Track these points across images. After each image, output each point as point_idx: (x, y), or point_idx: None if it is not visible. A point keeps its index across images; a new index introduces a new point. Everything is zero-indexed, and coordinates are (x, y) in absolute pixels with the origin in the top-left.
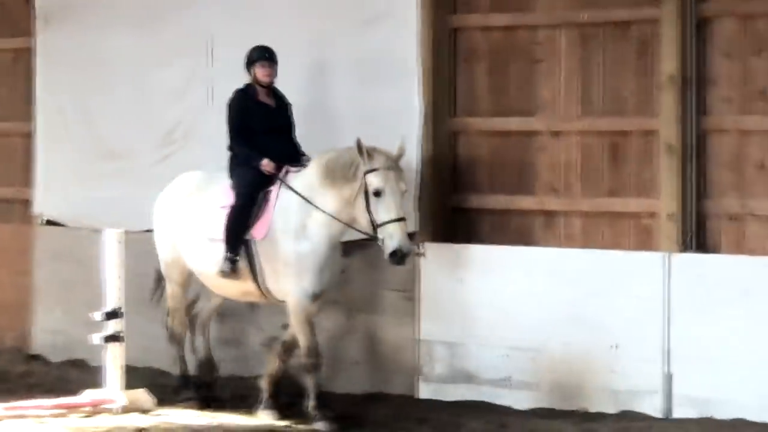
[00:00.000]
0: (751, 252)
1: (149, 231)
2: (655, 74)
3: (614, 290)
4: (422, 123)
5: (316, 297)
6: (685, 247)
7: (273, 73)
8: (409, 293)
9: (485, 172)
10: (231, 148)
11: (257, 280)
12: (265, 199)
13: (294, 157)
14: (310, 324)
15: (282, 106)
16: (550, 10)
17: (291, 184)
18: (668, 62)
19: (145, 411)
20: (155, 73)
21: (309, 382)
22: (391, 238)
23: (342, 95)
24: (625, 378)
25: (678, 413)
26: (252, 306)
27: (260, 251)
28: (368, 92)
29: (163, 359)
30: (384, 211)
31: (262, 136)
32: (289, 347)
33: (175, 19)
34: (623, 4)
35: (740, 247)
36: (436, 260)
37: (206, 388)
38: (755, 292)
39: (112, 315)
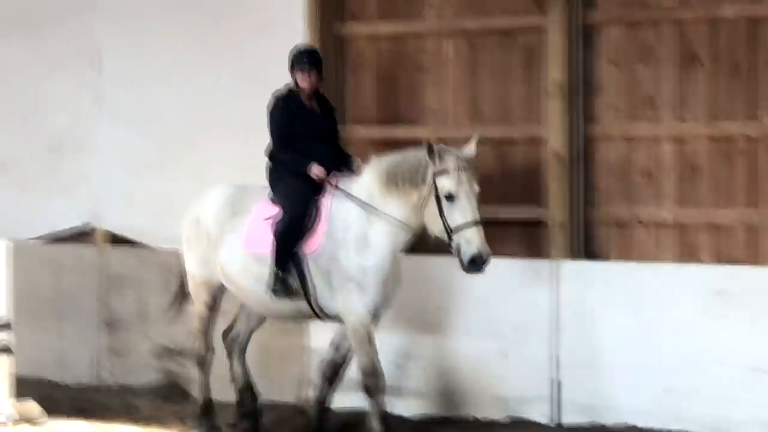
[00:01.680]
0: (639, 258)
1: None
2: (541, 82)
3: (503, 297)
4: None
5: (378, 313)
6: (573, 254)
7: (314, 78)
8: None
9: None
10: (273, 156)
11: (309, 298)
12: (317, 209)
13: (342, 162)
14: (373, 342)
15: (326, 111)
16: (437, 18)
17: (348, 191)
18: (555, 70)
19: (34, 422)
20: (42, 83)
21: (371, 405)
22: (469, 243)
23: (232, 104)
24: (514, 385)
25: (567, 420)
26: (141, 315)
27: (313, 266)
28: (256, 101)
29: (54, 371)
30: (459, 214)
31: (306, 142)
32: (337, 368)
33: (63, 29)
34: (510, 12)
35: (628, 253)
36: None
37: (251, 418)
38: (643, 298)
39: (1, 326)
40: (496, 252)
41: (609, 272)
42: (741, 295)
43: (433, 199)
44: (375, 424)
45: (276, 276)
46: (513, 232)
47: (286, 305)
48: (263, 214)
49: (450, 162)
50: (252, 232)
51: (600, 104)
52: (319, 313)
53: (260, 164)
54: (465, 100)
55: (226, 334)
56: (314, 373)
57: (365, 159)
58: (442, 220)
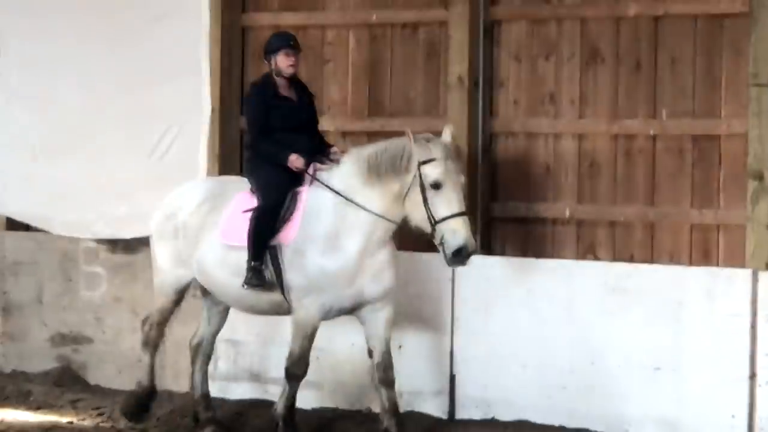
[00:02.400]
0: (536, 254)
1: None
2: (443, 76)
3: (401, 290)
4: (211, 121)
5: (332, 312)
6: None
7: (297, 63)
8: (193, 291)
9: None
10: (250, 146)
11: (284, 290)
12: (294, 200)
13: (322, 152)
14: (312, 339)
15: (305, 99)
16: (340, 9)
17: (325, 182)
18: (457, 64)
19: None
20: None
21: (285, 390)
22: (454, 234)
23: (131, 92)
24: (410, 379)
25: (461, 414)
26: (38, 300)
27: (287, 258)
28: (158, 90)
29: None
30: (444, 205)
31: (286, 133)
32: (385, 368)
33: None
34: (413, 5)
35: (525, 249)
36: None
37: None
38: (539, 294)
39: None
40: (397, 246)
41: (507, 267)
42: (638, 293)
43: (417, 188)
44: (280, 407)
45: (250, 267)
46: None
47: (262, 299)
48: (243, 206)
49: (437, 150)
50: (230, 224)
51: (502, 99)
52: None
53: (160, 148)
54: (365, 92)
55: (192, 340)
56: (372, 384)
57: (345, 149)
58: (426, 210)
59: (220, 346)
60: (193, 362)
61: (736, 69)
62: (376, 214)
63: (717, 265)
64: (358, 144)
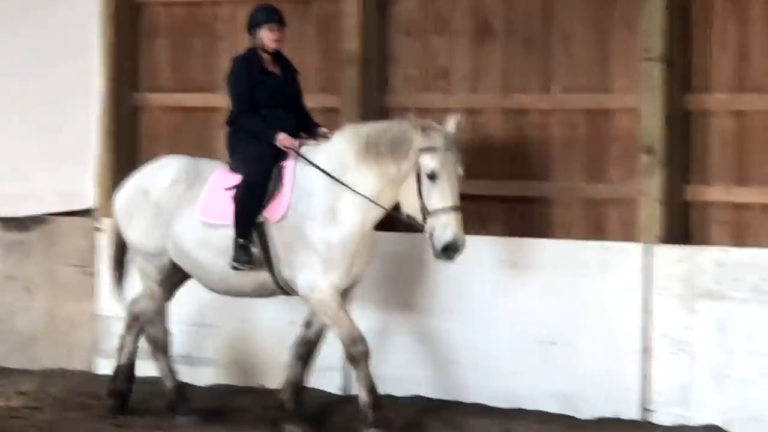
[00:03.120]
0: None
1: None
2: (337, 52)
3: None
4: (103, 99)
5: (343, 291)
6: None
7: (283, 38)
8: (87, 268)
9: (167, 147)
10: (233, 122)
11: (273, 269)
12: (280, 176)
13: (308, 129)
14: (345, 310)
15: (289, 74)
16: None
17: (313, 160)
18: (350, 40)
19: None
20: None
21: (357, 375)
22: (445, 228)
23: (24, 71)
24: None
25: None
26: None
27: (276, 236)
28: (51, 69)
29: None
30: (438, 197)
31: (271, 109)
32: (311, 346)
33: None
34: None
35: None
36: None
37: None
38: (433, 269)
39: None
40: None
41: (400, 244)
42: (532, 268)
43: (413, 176)
44: (363, 394)
45: (237, 244)
46: None
47: (248, 279)
48: (222, 183)
49: (438, 139)
50: (210, 202)
51: (395, 75)
52: (283, 287)
53: (52, 127)
54: None
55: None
56: (289, 354)
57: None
58: (420, 200)
59: (116, 324)
60: (127, 331)
61: (628, 44)
62: (367, 197)
63: (610, 239)
64: None
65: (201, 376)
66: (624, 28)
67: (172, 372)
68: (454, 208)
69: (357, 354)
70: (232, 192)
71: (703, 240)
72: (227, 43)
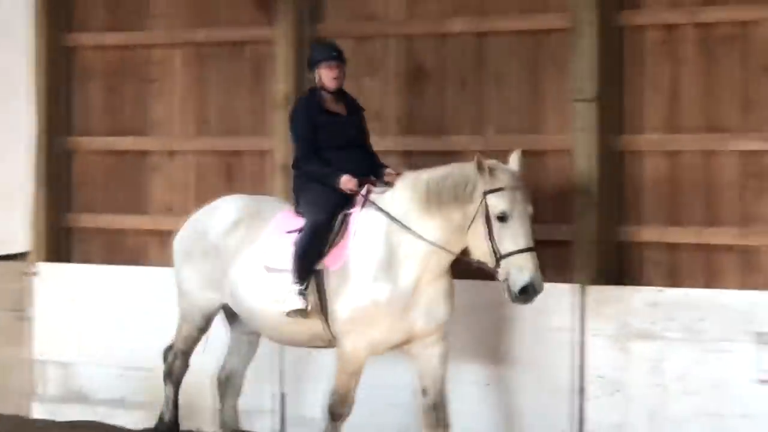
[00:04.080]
0: None
1: None
2: (269, 94)
3: None
4: (36, 143)
5: (381, 349)
6: None
7: (342, 76)
8: (21, 313)
9: (100, 191)
10: (298, 165)
11: (328, 319)
12: (344, 222)
13: (374, 172)
14: (359, 375)
15: (354, 113)
16: (165, 29)
17: (380, 206)
18: (282, 82)
19: None
20: None
21: (328, 429)
22: (521, 271)
23: None
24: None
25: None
26: None
27: (332, 285)
28: None
29: None
30: (511, 239)
31: (334, 150)
32: (440, 409)
33: None
34: (238, 24)
35: None
36: (50, 280)
37: None
38: None
39: None
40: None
41: None
42: (468, 308)
43: (481, 219)
44: None
45: (292, 291)
46: None
47: (303, 328)
48: (285, 225)
49: (505, 179)
50: (271, 246)
51: None
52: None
53: None
54: (192, 111)
55: (221, 373)
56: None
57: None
58: (491, 243)
59: (50, 369)
60: (222, 397)
61: (561, 85)
62: (434, 244)
63: (544, 280)
64: (184, 163)
65: (137, 420)
66: (556, 69)
67: (175, 405)
68: (529, 249)
69: (337, 413)
70: (294, 236)
71: (637, 280)
72: (160, 85)
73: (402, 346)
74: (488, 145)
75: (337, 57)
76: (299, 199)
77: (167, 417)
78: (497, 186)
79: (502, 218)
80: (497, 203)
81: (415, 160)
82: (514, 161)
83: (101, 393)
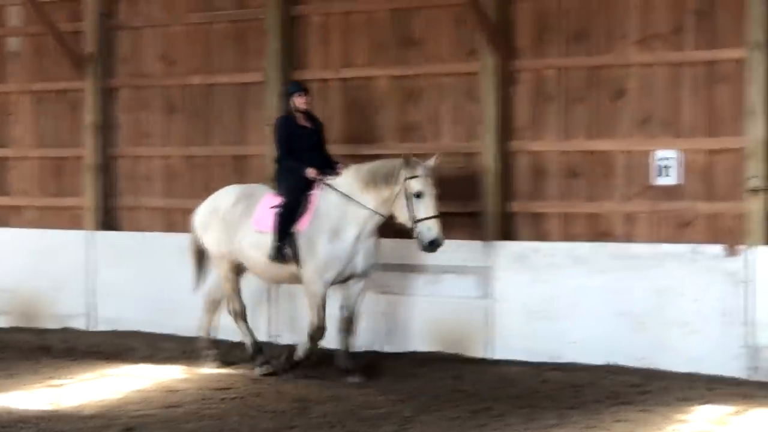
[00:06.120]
0: (144, 230)
1: None
2: (81, 121)
3: (48, 259)
4: None
5: (333, 283)
6: (100, 226)
7: (309, 101)
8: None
9: None
10: (279, 162)
11: (299, 265)
12: (307, 200)
13: (330, 166)
14: (324, 307)
15: (316, 127)
16: (16, 83)
17: (334, 186)
18: (90, 115)
19: None
20: None
21: (302, 347)
22: (430, 230)
23: None
24: (67, 306)
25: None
26: None
27: (302, 242)
28: None
29: None
30: (423, 209)
31: (303, 152)
32: (350, 321)
33: None
34: (62, 78)
35: (136, 227)
36: None
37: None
38: (143, 254)
39: None
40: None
41: (121, 239)
42: None
43: (403, 196)
44: (300, 353)
45: (275, 246)
46: (66, 214)
47: (284, 271)
48: (270, 203)
49: (421, 170)
50: (260, 216)
51: (118, 135)
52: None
53: None
54: (35, 131)
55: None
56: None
57: (345, 164)
58: (409, 212)
59: None
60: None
61: (261, 117)
62: (371, 210)
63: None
64: (31, 164)
65: (1, 322)
66: (257, 109)
67: (251, 333)
68: (435, 216)
69: (315, 336)
70: (275, 209)
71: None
72: (15, 117)
73: (347, 281)
74: (214, 152)
75: (304, 90)
76: (279, 184)
77: (249, 340)
78: (415, 174)
79: (418, 195)
80: (415, 185)
81: (171, 162)
82: (432, 161)
83: None
